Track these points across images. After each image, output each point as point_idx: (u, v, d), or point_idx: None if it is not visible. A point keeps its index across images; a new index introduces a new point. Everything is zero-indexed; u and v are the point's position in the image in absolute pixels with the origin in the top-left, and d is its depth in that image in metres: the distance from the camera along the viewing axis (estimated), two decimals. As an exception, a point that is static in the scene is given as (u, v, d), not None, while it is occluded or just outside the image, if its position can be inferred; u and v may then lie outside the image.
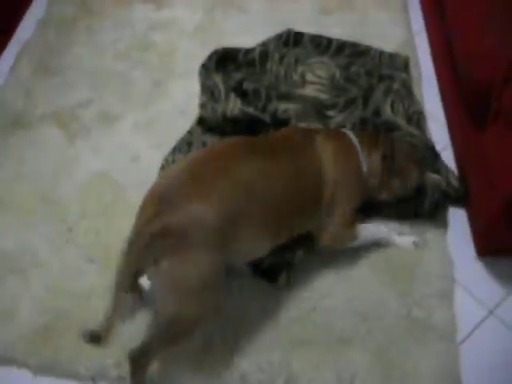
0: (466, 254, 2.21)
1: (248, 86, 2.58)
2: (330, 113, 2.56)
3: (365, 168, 2.09)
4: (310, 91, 2.70)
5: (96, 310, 1.99)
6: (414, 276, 2.10)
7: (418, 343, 1.94)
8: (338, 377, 1.86)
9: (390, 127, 2.44)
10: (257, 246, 1.83)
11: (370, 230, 2.15)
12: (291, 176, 1.86)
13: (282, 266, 2.07)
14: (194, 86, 2.81)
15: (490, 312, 2.07)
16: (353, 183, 2.04)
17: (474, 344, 1.98)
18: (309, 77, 2.77)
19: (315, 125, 2.42)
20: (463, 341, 1.98)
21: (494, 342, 2.00)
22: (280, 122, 2.44)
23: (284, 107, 2.48)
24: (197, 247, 1.59)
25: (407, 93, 2.65)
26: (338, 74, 2.76)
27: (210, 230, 1.61)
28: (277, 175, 1.82)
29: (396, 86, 2.63)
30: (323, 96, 2.67)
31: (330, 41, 2.92)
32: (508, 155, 1.99)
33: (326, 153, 1.99)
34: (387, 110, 2.51)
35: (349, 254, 2.15)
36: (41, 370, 1.93)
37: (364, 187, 2.09)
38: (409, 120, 2.51)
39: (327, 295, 2.06)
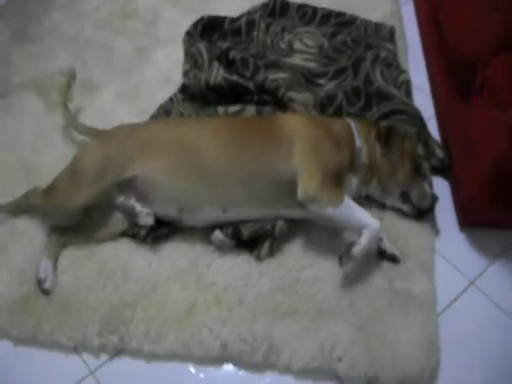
0: (448, 226, 2.23)
1: (235, 54, 2.54)
2: (321, 81, 2.53)
3: (358, 143, 2.11)
4: (298, 60, 2.68)
5: (76, 278, 2.02)
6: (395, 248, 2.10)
7: (398, 314, 1.95)
8: (320, 348, 1.86)
9: (384, 96, 2.41)
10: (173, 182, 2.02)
11: (357, 208, 1.96)
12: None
13: (264, 236, 2.06)
14: (178, 54, 2.79)
15: (471, 282, 2.09)
16: (325, 142, 2.04)
17: (454, 314, 2.00)
18: (297, 45, 2.75)
19: (305, 94, 2.38)
20: (443, 311, 2.00)
21: (474, 313, 2.02)
22: (266, 91, 2.42)
23: (273, 77, 2.44)
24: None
25: (394, 62, 2.63)
26: (326, 43, 2.74)
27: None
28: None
29: (383, 54, 2.61)
30: (312, 65, 2.65)
31: (315, 10, 2.91)
32: (491, 127, 1.98)
33: (295, 123, 2.12)
34: (378, 78, 2.49)
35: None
36: (22, 340, 1.92)
37: (351, 157, 2.08)
38: (398, 89, 2.49)
39: (310, 266, 2.06)
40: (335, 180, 1.99)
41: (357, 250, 1.90)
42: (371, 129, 2.16)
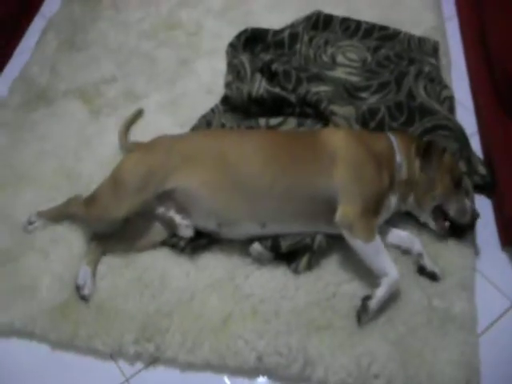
0: (489, 244, 2.18)
1: (278, 67, 2.54)
2: (363, 95, 2.51)
3: (398, 158, 2.08)
4: (340, 73, 2.67)
5: (114, 286, 2.03)
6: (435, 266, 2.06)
7: (437, 333, 1.91)
8: (356, 363, 1.84)
9: (427, 111, 2.36)
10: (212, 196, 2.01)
11: (384, 253, 1.94)
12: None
13: (303, 250, 2.05)
14: (221, 66, 2.81)
15: (513, 303, 2.04)
16: (368, 165, 2.01)
17: (495, 335, 1.95)
18: (339, 59, 2.74)
19: (347, 107, 2.37)
20: (484, 332, 1.95)
21: (516, 334, 1.98)
22: (308, 104, 2.42)
23: (315, 90, 2.44)
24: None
25: (437, 77, 2.60)
26: (369, 57, 2.73)
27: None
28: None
29: (427, 68, 2.58)
30: (354, 78, 2.64)
31: (358, 23, 2.90)
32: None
33: (338, 139, 2.07)
34: (421, 93, 2.46)
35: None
36: (60, 345, 1.94)
37: (390, 177, 2.05)
38: (441, 104, 2.46)
39: (348, 281, 2.04)
40: (374, 207, 1.98)
41: (373, 303, 1.90)
42: (411, 143, 2.13)
